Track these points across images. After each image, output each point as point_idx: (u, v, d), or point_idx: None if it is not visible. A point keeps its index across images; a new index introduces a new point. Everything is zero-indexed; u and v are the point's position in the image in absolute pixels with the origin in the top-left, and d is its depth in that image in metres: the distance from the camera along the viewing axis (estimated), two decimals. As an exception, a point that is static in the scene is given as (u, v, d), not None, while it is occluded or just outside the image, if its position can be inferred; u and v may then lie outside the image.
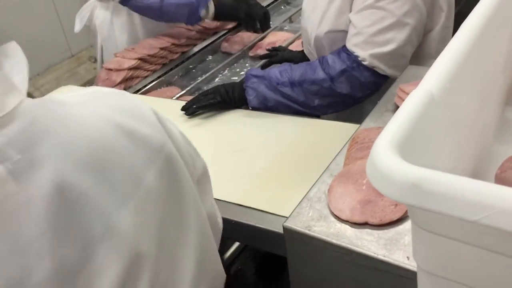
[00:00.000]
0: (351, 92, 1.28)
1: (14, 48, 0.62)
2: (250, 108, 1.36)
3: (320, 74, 1.28)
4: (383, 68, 1.24)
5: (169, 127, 0.67)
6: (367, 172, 0.46)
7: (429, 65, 1.31)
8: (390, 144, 0.46)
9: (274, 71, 1.35)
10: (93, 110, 0.60)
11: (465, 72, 0.59)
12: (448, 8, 1.30)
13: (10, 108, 0.52)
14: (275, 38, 1.91)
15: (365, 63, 1.23)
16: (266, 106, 1.35)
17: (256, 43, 1.91)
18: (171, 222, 0.63)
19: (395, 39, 1.20)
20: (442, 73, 0.55)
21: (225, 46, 1.95)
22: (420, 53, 1.33)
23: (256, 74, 1.36)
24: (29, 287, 0.50)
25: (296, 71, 1.32)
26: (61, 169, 0.53)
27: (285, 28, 2.05)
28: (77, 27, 1.95)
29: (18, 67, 0.60)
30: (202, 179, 0.75)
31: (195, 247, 0.67)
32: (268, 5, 2.16)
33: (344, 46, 1.27)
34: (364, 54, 1.23)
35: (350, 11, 1.26)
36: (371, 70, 1.25)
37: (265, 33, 1.92)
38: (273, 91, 1.33)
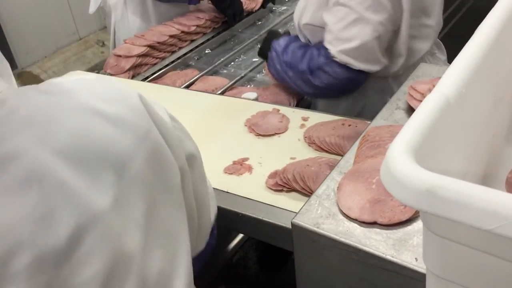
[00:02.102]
0: (326, 86, 1.34)
1: None
2: None
3: (304, 65, 1.35)
4: (353, 63, 1.27)
5: (156, 111, 0.64)
6: (382, 176, 0.46)
7: (398, 63, 1.35)
8: (405, 149, 0.46)
9: (294, 45, 1.41)
10: (75, 98, 0.59)
11: (480, 76, 0.58)
12: (411, 3, 1.29)
13: None
14: (204, 85, 1.64)
15: (336, 59, 1.28)
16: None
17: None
18: (159, 217, 0.61)
19: (359, 35, 1.24)
20: (458, 77, 0.55)
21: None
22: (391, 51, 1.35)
23: (275, 48, 1.44)
24: (6, 276, 0.49)
25: (295, 54, 1.39)
26: (39, 158, 0.52)
27: (223, 71, 1.79)
28: (92, 8, 1.95)
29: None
30: (189, 164, 0.69)
31: (187, 238, 0.65)
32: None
33: None
34: (334, 50, 1.28)
35: None
36: (343, 66, 1.29)
37: (195, 77, 1.70)
38: (280, 66, 1.42)
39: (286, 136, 1.19)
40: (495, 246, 0.43)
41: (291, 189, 1.01)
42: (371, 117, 1.03)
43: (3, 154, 0.51)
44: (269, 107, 1.33)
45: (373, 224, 0.75)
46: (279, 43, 1.43)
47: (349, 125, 1.14)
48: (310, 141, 1.14)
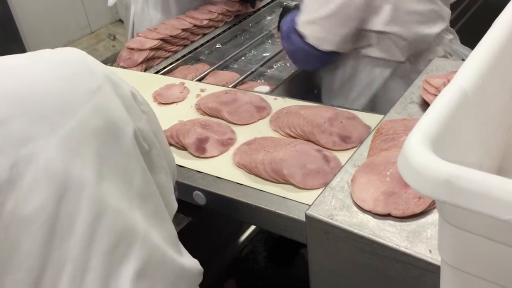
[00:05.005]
0: (290, 53, 1.47)
1: None
2: None
3: (283, 27, 1.44)
4: (307, 34, 1.33)
5: (117, 79, 0.72)
6: (399, 166, 0.46)
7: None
8: (423, 139, 0.46)
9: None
10: (31, 60, 0.68)
11: (497, 69, 0.58)
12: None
13: None
14: (215, 80, 1.65)
15: (297, 27, 1.35)
16: None
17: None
18: (112, 155, 0.67)
19: (326, 7, 1.28)
20: (475, 69, 0.55)
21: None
22: None
23: (282, 24, 1.49)
24: None
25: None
26: None
27: (234, 66, 1.79)
28: (111, 0, 1.96)
29: None
30: (160, 135, 0.80)
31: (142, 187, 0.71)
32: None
33: None
34: (300, 18, 1.34)
35: None
36: (300, 36, 1.35)
37: (206, 72, 1.71)
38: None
39: (182, 104, 1.40)
40: (512, 236, 0.43)
41: (170, 145, 1.15)
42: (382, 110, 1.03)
43: None
44: (177, 81, 1.51)
45: (387, 216, 0.75)
46: (284, 20, 1.47)
47: (229, 93, 1.36)
48: (198, 107, 1.35)
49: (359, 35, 1.34)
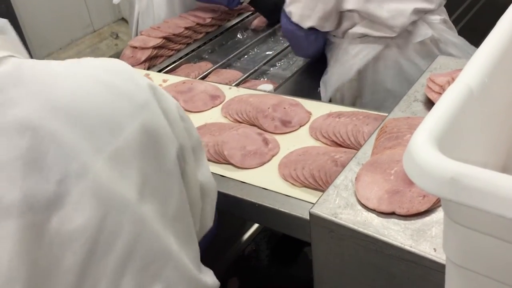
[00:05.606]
0: (287, 39, 1.60)
1: (5, 25, 0.67)
2: None
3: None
4: (292, 12, 1.44)
5: (163, 94, 0.71)
6: (404, 165, 0.46)
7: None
8: (429, 137, 0.46)
9: None
10: (79, 69, 0.66)
11: (503, 66, 0.58)
12: None
13: None
14: (218, 78, 1.64)
15: (284, 8, 1.47)
16: None
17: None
18: (153, 175, 0.66)
19: None
20: (481, 67, 0.55)
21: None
22: None
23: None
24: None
25: None
26: (35, 110, 0.57)
27: (237, 64, 1.79)
28: None
29: (10, 40, 0.66)
30: (197, 149, 0.78)
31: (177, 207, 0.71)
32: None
33: None
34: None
35: None
36: (288, 17, 1.45)
37: (209, 70, 1.71)
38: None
39: None
40: (518, 235, 0.43)
41: None
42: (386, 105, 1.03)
43: (1, 102, 0.56)
44: (143, 72, 1.59)
45: (391, 214, 0.75)
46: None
47: (187, 83, 1.44)
48: None
49: (341, 16, 1.44)
